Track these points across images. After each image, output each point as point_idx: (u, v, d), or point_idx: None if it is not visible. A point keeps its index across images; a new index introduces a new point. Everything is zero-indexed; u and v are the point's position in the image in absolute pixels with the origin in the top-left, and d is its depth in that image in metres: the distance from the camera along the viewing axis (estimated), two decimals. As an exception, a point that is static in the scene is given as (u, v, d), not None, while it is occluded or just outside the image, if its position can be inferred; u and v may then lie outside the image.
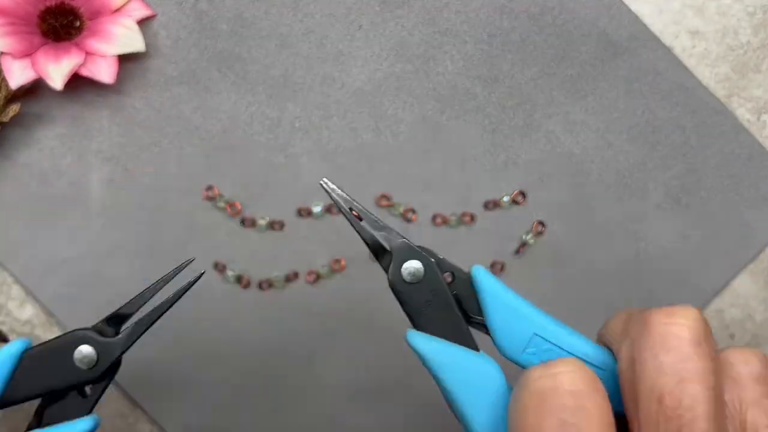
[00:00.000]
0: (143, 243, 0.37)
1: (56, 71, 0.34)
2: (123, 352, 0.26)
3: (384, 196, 0.37)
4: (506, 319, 0.23)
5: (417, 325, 0.24)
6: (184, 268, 0.29)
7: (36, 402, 0.26)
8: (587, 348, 0.23)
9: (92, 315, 0.36)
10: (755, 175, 0.38)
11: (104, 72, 0.35)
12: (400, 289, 0.25)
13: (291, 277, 0.37)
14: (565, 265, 0.37)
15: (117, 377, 0.36)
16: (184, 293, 0.26)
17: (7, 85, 0.35)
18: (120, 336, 0.26)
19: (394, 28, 0.38)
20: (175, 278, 0.28)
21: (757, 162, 0.38)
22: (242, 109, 0.37)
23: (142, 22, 0.37)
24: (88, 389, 0.26)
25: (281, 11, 0.38)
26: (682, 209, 0.38)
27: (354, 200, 0.26)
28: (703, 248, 0.38)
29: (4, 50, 0.34)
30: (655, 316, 0.21)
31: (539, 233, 0.37)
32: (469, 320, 0.24)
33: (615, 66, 0.38)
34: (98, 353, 0.26)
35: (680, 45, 0.39)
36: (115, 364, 0.26)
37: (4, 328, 0.37)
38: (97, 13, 0.36)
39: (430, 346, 0.24)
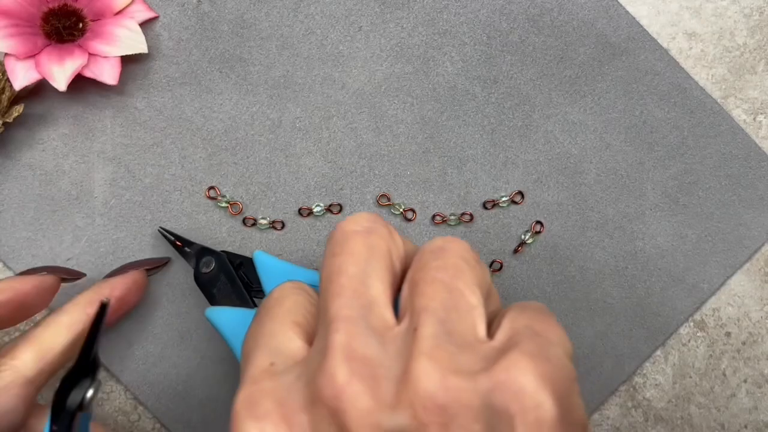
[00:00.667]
0: (145, 242, 0.37)
1: (59, 72, 0.35)
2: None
3: (384, 196, 0.38)
4: (270, 277, 0.31)
5: (214, 303, 0.33)
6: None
7: None
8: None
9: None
10: (752, 176, 0.38)
11: (107, 73, 0.36)
12: (200, 278, 0.34)
13: (292, 276, 0.37)
14: (563, 264, 0.38)
15: (119, 375, 0.37)
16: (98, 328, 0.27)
17: (10, 86, 0.35)
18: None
19: (393, 30, 0.38)
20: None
21: (754, 162, 0.38)
22: (243, 109, 0.38)
23: (145, 24, 0.37)
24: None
25: (282, 13, 0.38)
26: (680, 209, 0.38)
27: (168, 232, 0.36)
28: (700, 248, 0.38)
29: (7, 52, 0.35)
30: (337, 225, 0.26)
31: (537, 233, 0.38)
32: (255, 291, 0.33)
33: (613, 67, 0.38)
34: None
35: (677, 46, 0.39)
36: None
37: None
38: (99, 15, 0.37)
39: (216, 312, 0.31)
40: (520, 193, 0.38)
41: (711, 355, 0.38)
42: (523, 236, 0.38)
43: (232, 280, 0.33)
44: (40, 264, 0.37)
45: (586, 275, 0.38)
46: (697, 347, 0.38)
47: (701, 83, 0.39)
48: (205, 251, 0.35)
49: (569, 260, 0.38)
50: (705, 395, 0.38)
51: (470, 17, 0.38)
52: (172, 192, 0.37)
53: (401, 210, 0.38)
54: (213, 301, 0.33)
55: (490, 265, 0.38)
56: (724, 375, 0.38)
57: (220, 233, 0.37)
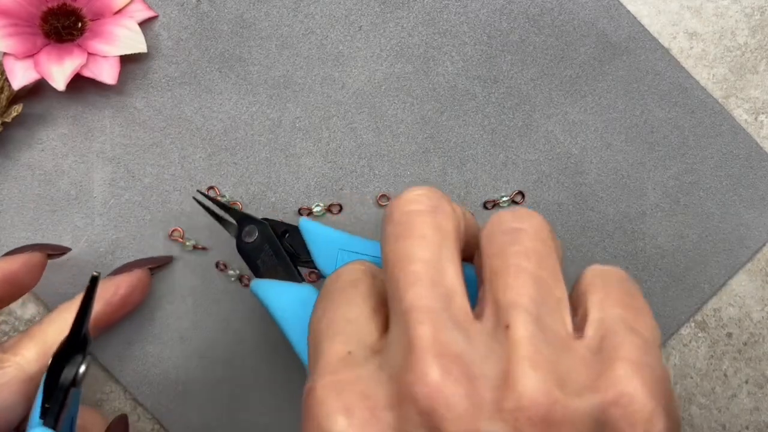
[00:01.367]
0: (145, 242, 0.37)
1: (59, 72, 0.35)
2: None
3: (384, 196, 0.38)
4: (320, 247, 0.30)
5: (259, 275, 0.31)
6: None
7: None
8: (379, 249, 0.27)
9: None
10: (753, 175, 0.38)
11: (106, 73, 0.36)
12: (243, 248, 0.32)
13: (291, 277, 0.37)
14: (564, 264, 0.38)
15: (119, 376, 0.37)
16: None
17: (9, 86, 0.35)
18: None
19: (394, 29, 0.38)
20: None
21: (755, 162, 0.38)
22: (243, 109, 0.38)
23: (144, 24, 0.37)
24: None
25: (282, 12, 0.38)
26: (680, 209, 0.38)
27: (207, 198, 0.34)
28: (701, 248, 0.38)
29: (6, 51, 0.35)
30: (392, 200, 0.24)
31: (538, 233, 0.38)
32: (302, 262, 0.31)
33: (613, 67, 0.38)
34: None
35: (678, 46, 0.39)
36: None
37: (7, 327, 0.37)
38: (99, 15, 0.37)
39: (263, 285, 0.30)
40: (521, 193, 0.38)
41: (712, 356, 0.38)
42: (523, 236, 0.37)
43: (277, 250, 0.31)
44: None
45: (587, 275, 0.38)
46: (698, 348, 0.38)
47: (702, 83, 0.39)
48: (246, 219, 0.32)
49: (569, 260, 0.38)
50: (706, 396, 0.38)
51: (470, 17, 0.38)
52: (172, 192, 0.37)
53: (401, 210, 0.37)
54: (257, 273, 0.31)
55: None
56: (725, 375, 0.38)
57: (221, 233, 0.37)
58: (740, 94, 0.39)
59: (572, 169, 0.38)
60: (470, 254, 0.25)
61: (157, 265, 0.36)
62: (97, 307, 0.31)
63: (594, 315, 0.22)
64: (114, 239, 0.37)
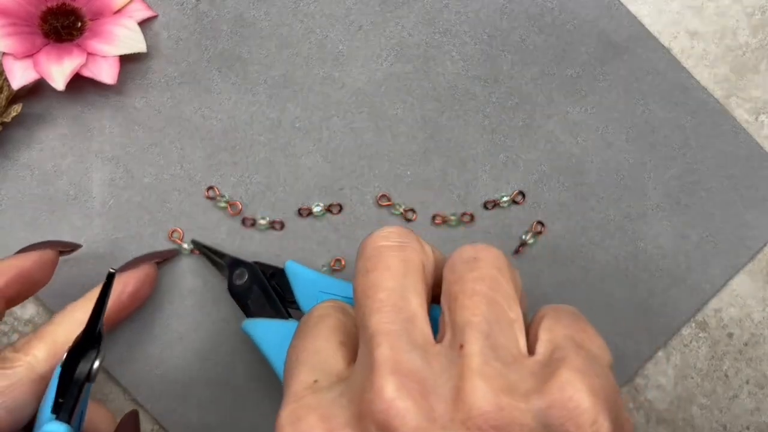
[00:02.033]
0: (144, 242, 0.37)
1: (58, 72, 0.35)
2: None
3: (384, 196, 0.38)
4: (303, 288, 0.32)
5: (249, 314, 0.33)
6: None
7: None
8: None
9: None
10: (754, 175, 0.38)
11: (106, 72, 0.35)
12: (234, 291, 0.34)
13: (291, 277, 0.37)
14: (565, 265, 0.38)
15: (119, 377, 0.37)
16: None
17: (8, 86, 0.35)
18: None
19: (394, 29, 0.38)
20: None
21: (756, 162, 0.38)
22: (243, 109, 0.38)
23: (144, 23, 0.37)
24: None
25: (281, 12, 0.38)
26: (681, 209, 0.38)
27: (203, 244, 0.36)
28: (702, 248, 0.38)
29: (5, 51, 0.35)
30: (365, 240, 0.26)
31: (538, 233, 0.38)
32: (288, 302, 0.33)
33: (614, 66, 0.38)
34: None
35: (679, 46, 0.39)
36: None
37: (6, 327, 0.37)
38: (98, 14, 0.37)
39: (253, 324, 0.32)
40: (521, 193, 0.38)
41: (713, 356, 0.38)
42: (524, 236, 0.37)
43: (266, 291, 0.33)
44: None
45: (588, 276, 0.38)
46: (699, 348, 0.38)
47: (703, 83, 0.39)
48: (237, 263, 0.34)
49: (570, 261, 0.38)
50: (707, 396, 0.38)
51: (471, 16, 0.38)
52: (171, 192, 0.37)
53: (401, 210, 0.37)
54: (248, 312, 0.33)
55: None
56: (726, 376, 0.38)
57: (220, 233, 0.37)
58: (741, 94, 0.39)
59: (573, 169, 0.38)
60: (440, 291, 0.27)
61: (164, 259, 0.36)
62: (108, 303, 0.31)
63: (544, 336, 0.23)
64: (113, 239, 0.37)
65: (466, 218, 0.37)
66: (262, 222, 0.37)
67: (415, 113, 0.38)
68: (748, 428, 0.38)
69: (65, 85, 0.35)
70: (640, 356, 0.37)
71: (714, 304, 0.38)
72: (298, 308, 0.32)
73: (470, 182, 0.38)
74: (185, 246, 0.37)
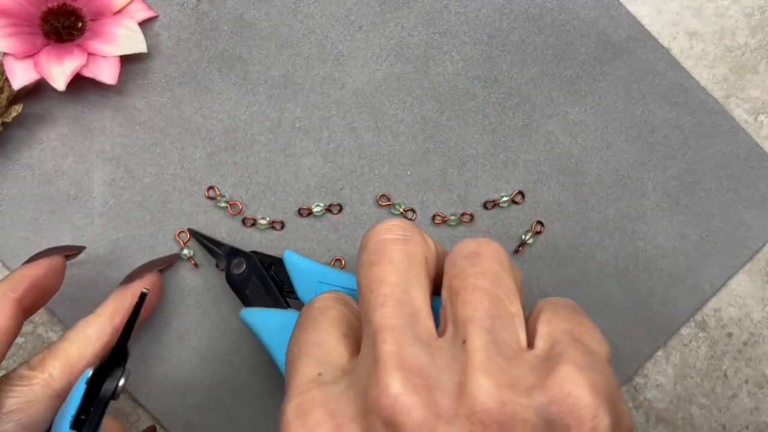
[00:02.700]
0: (145, 242, 0.37)
1: (59, 72, 0.35)
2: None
3: (384, 196, 0.38)
4: (301, 279, 0.31)
5: (248, 304, 0.33)
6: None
7: None
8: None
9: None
10: (753, 175, 0.38)
11: (106, 73, 0.36)
12: (232, 280, 0.34)
13: (291, 277, 0.37)
14: (564, 264, 0.38)
15: (119, 376, 0.37)
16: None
17: (9, 86, 0.35)
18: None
19: (394, 29, 0.38)
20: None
21: (755, 162, 0.38)
22: (243, 109, 0.38)
23: (144, 24, 0.37)
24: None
25: (282, 12, 0.38)
26: (681, 209, 0.38)
27: (201, 233, 0.36)
28: (701, 248, 0.38)
29: (6, 51, 0.35)
30: (368, 232, 0.26)
31: (538, 233, 0.38)
32: (287, 292, 0.33)
33: (614, 67, 0.38)
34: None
35: (678, 46, 0.39)
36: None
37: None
38: (99, 15, 0.37)
39: (251, 313, 0.32)
40: (521, 193, 0.38)
41: (712, 356, 0.38)
42: (523, 236, 0.38)
43: (264, 281, 0.33)
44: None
45: (587, 275, 0.38)
46: (699, 348, 0.38)
47: (702, 83, 0.39)
48: (235, 252, 0.34)
49: (570, 260, 0.38)
50: (706, 396, 0.38)
51: (470, 17, 0.38)
52: (172, 192, 0.37)
53: (401, 210, 0.37)
54: (246, 302, 0.33)
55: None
56: (726, 376, 0.38)
57: (220, 233, 0.37)
58: (740, 94, 0.39)
59: (572, 169, 0.38)
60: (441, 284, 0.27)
61: (166, 266, 0.36)
62: (120, 315, 0.32)
63: (543, 330, 0.24)
64: (114, 239, 0.37)
65: (466, 218, 0.38)
66: (263, 222, 0.37)
67: (414, 113, 0.38)
68: (747, 428, 0.38)
69: (66, 85, 0.35)
70: (640, 356, 0.38)
71: (713, 303, 0.38)
72: (296, 298, 0.32)
73: (470, 182, 0.38)
74: (185, 252, 0.37)
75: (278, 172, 0.38)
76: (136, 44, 0.36)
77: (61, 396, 0.29)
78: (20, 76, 0.35)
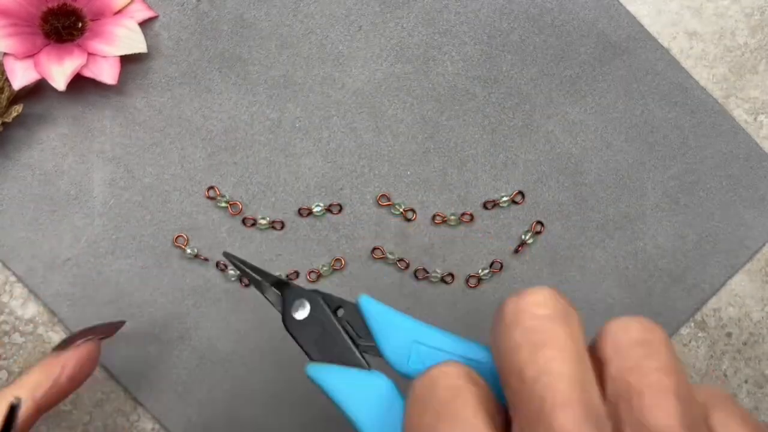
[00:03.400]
0: (145, 242, 0.37)
1: (59, 72, 0.35)
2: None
3: (384, 196, 0.38)
4: (388, 334, 0.25)
5: (313, 357, 0.27)
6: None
7: None
8: (465, 347, 0.24)
9: (94, 314, 0.37)
10: (753, 175, 0.38)
11: (106, 73, 0.36)
12: (292, 327, 0.27)
13: (292, 277, 0.37)
14: (564, 264, 0.38)
15: (119, 376, 0.37)
16: None
17: (9, 86, 0.35)
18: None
19: (393, 29, 0.38)
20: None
21: (755, 162, 0.38)
22: (243, 109, 0.38)
23: (144, 24, 0.37)
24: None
25: (282, 12, 0.38)
26: (680, 209, 0.38)
27: (238, 258, 0.29)
28: (701, 248, 0.38)
29: (6, 51, 0.35)
30: (506, 301, 0.22)
31: (538, 233, 0.38)
32: (364, 346, 0.26)
33: (613, 67, 0.38)
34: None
35: (678, 46, 0.39)
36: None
37: (7, 327, 0.37)
38: (99, 15, 0.37)
39: (322, 371, 0.26)
40: (521, 192, 0.38)
41: (712, 356, 0.38)
42: (523, 236, 0.38)
43: (334, 329, 0.27)
44: (39, 264, 0.37)
45: (587, 275, 0.38)
46: (698, 348, 0.38)
47: (702, 83, 0.39)
48: (292, 290, 0.28)
49: (570, 260, 0.38)
50: (706, 396, 0.38)
51: (470, 17, 0.38)
52: (172, 192, 0.37)
53: (401, 210, 0.37)
54: (312, 354, 0.27)
55: (491, 266, 0.38)
56: (725, 375, 0.38)
57: (220, 233, 0.37)
58: (740, 94, 0.39)
59: (572, 169, 0.38)
60: None
61: (108, 334, 0.34)
62: (44, 388, 0.30)
63: None
64: (114, 239, 0.37)
65: (466, 218, 0.38)
66: (263, 222, 0.37)
67: (414, 113, 0.38)
68: (746, 427, 0.38)
69: (66, 85, 0.35)
70: (639, 356, 0.38)
71: (713, 303, 0.38)
72: (377, 354, 0.26)
73: (470, 182, 0.38)
74: (188, 251, 0.37)
75: (278, 172, 0.38)
76: (136, 44, 0.36)
77: None
78: (20, 76, 0.35)
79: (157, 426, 0.37)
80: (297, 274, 0.37)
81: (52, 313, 0.37)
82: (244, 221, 0.37)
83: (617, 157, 0.38)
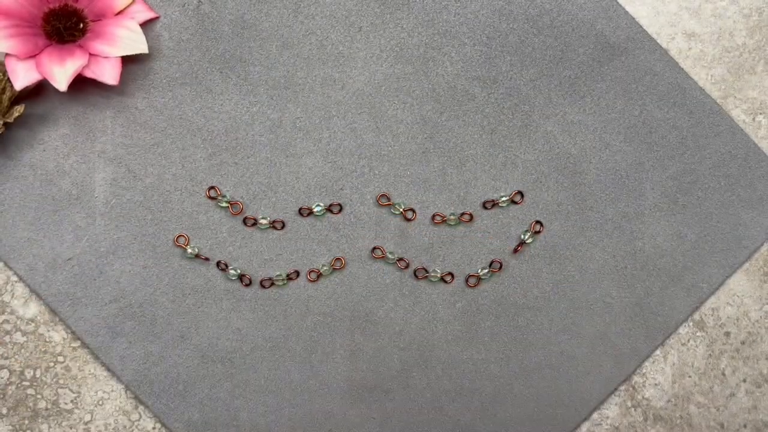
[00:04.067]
0: (146, 242, 0.37)
1: (60, 73, 0.35)
2: None
3: (384, 196, 0.38)
4: None
5: None
6: None
7: None
8: None
9: (95, 313, 0.37)
10: (751, 176, 0.38)
11: (108, 73, 0.36)
12: None
13: (292, 276, 0.37)
14: (563, 264, 0.38)
15: (120, 375, 0.37)
16: None
17: (11, 87, 0.36)
18: None
19: (393, 30, 0.38)
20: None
21: (753, 162, 0.38)
22: (244, 109, 0.38)
23: (145, 25, 0.37)
24: None
25: (282, 13, 0.38)
26: (679, 209, 0.38)
27: None
28: (699, 247, 0.38)
29: (8, 52, 0.35)
30: None
31: (537, 233, 0.38)
32: None
33: (612, 67, 0.39)
34: None
35: (676, 47, 0.39)
36: None
37: (8, 327, 0.37)
38: (100, 15, 0.37)
39: None
40: (520, 192, 0.38)
41: (710, 355, 0.39)
42: (522, 236, 0.38)
43: None
44: (40, 264, 0.37)
45: (586, 275, 0.38)
46: (697, 347, 0.39)
47: (700, 83, 0.39)
48: None
49: (569, 260, 0.38)
50: (704, 395, 0.38)
51: (470, 18, 0.39)
52: (173, 192, 0.37)
53: (401, 210, 0.38)
54: None
55: (490, 265, 0.38)
56: (724, 374, 0.39)
57: (221, 233, 0.37)
58: (738, 95, 0.39)
59: (571, 169, 0.38)
60: None
61: None
62: None
63: None
64: (115, 239, 0.37)
65: (466, 218, 0.38)
66: (263, 222, 0.37)
67: (414, 114, 0.38)
68: (745, 426, 0.38)
69: (67, 85, 0.35)
70: (638, 355, 0.38)
71: (711, 303, 0.39)
72: None
73: (469, 182, 0.38)
74: (189, 251, 0.37)
75: (279, 172, 0.38)
76: (138, 45, 0.36)
77: None
78: (22, 76, 0.35)
79: (158, 425, 0.37)
80: (297, 273, 0.37)
81: (54, 312, 0.37)
82: (244, 221, 0.37)
83: (616, 157, 0.38)
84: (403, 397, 0.37)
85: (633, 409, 0.38)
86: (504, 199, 0.38)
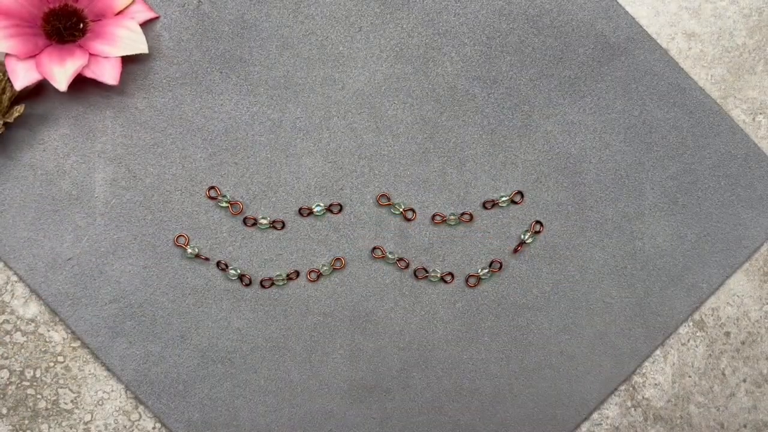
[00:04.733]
0: (146, 242, 0.37)
1: (60, 73, 0.35)
2: None
3: (384, 196, 0.38)
4: None
5: None
6: None
7: None
8: None
9: (95, 314, 0.37)
10: (751, 176, 0.38)
11: (108, 73, 0.36)
12: None
13: (292, 276, 0.37)
14: (563, 264, 0.38)
15: (120, 375, 0.37)
16: None
17: (11, 87, 0.36)
18: None
19: (393, 30, 0.38)
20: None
21: (753, 162, 0.38)
22: (244, 109, 0.38)
23: (145, 25, 0.38)
24: None
25: (282, 13, 0.38)
26: (679, 209, 0.38)
27: None
28: (699, 247, 0.38)
29: (8, 52, 0.35)
30: None
31: (537, 233, 0.38)
32: None
33: (612, 67, 0.39)
34: None
35: (676, 47, 0.39)
36: None
37: (8, 327, 0.37)
38: (100, 15, 0.37)
39: None
40: (520, 192, 0.38)
41: (710, 355, 0.39)
42: (522, 236, 0.38)
43: None
44: (40, 264, 0.37)
45: (586, 275, 0.38)
46: (697, 347, 0.39)
47: (700, 83, 0.39)
48: None
49: (568, 260, 0.38)
50: (704, 395, 0.38)
51: (470, 18, 0.39)
52: (173, 192, 0.37)
53: (401, 210, 0.38)
54: None
55: (490, 265, 0.38)
56: (724, 374, 0.39)
57: (221, 233, 0.37)
58: (738, 95, 0.39)
59: (571, 169, 0.38)
60: None
61: None
62: None
63: None
64: (115, 239, 0.37)
65: (466, 218, 0.38)
66: (263, 222, 0.37)
67: (414, 114, 0.38)
68: (745, 426, 0.38)
69: (67, 85, 0.35)
70: (638, 355, 0.38)
71: (711, 303, 0.39)
72: None
73: (469, 182, 0.38)
74: (190, 251, 0.37)
75: (279, 172, 0.38)
76: (138, 45, 0.36)
77: None
78: (22, 76, 0.35)
79: (158, 425, 0.37)
80: (297, 273, 0.37)
81: (54, 312, 0.37)
82: (245, 221, 0.37)
83: (616, 157, 0.38)
84: (403, 397, 0.37)
85: (633, 409, 0.38)
86: (504, 199, 0.38)
